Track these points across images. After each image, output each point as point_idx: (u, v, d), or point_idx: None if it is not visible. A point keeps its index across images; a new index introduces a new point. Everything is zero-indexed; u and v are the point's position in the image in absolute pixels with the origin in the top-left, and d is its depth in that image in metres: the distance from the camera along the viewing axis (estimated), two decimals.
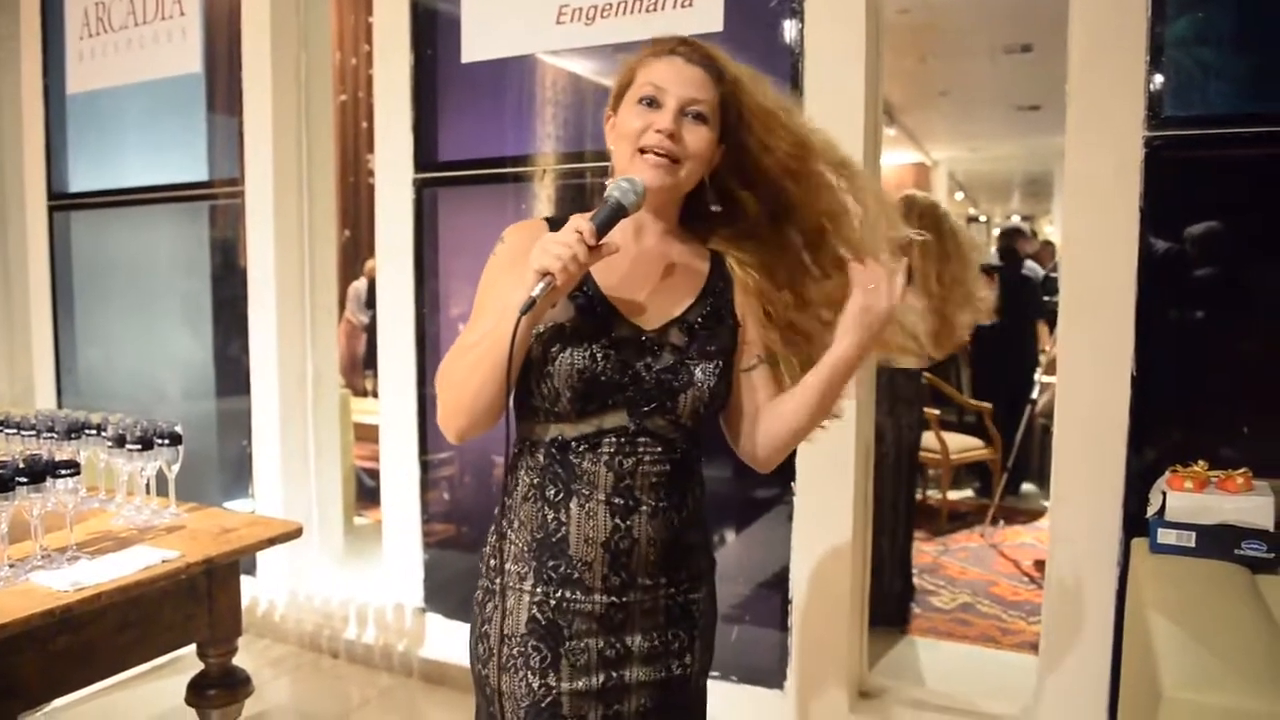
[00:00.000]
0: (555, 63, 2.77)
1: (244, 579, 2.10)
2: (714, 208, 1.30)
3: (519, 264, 1.13)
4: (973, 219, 13.82)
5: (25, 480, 1.59)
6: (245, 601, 2.11)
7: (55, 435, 1.95)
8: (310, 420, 3.38)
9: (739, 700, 2.55)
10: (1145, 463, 2.10)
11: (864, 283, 1.16)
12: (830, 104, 2.33)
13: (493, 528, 1.25)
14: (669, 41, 1.23)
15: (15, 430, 2.03)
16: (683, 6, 2.48)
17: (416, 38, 2.93)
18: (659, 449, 1.19)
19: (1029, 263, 5.59)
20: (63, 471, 1.66)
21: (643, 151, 1.18)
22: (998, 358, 5.12)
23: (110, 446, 1.95)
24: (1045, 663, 2.27)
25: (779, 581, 2.52)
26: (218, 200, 3.44)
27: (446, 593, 3.03)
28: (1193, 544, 1.78)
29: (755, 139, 1.23)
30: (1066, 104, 2.15)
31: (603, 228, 1.09)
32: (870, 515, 2.61)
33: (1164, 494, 1.85)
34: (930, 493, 4.90)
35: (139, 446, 1.92)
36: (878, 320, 1.16)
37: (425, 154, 2.96)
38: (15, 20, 3.85)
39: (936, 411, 4.48)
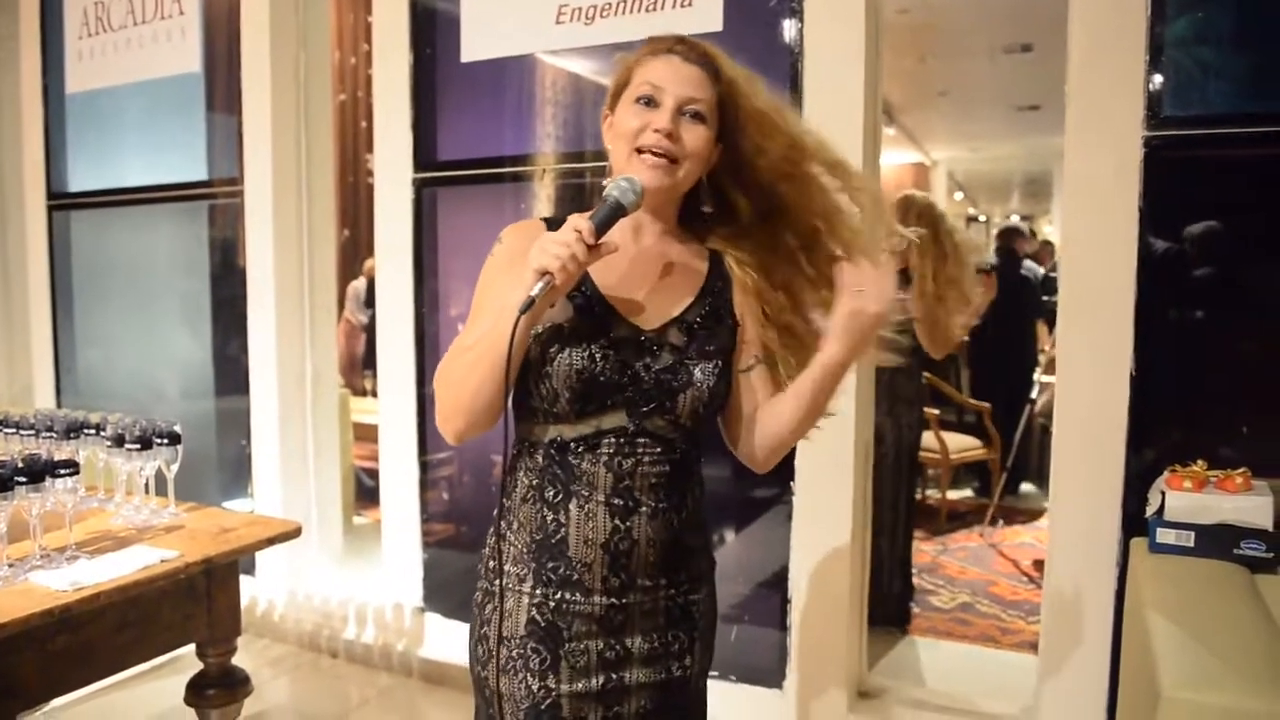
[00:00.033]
0: (555, 62, 2.77)
1: (243, 579, 2.10)
2: (705, 208, 1.30)
3: (517, 264, 1.12)
4: (972, 219, 13.83)
5: (24, 480, 1.59)
6: (244, 601, 2.10)
7: (54, 435, 1.95)
8: (309, 420, 3.38)
9: (738, 700, 2.55)
10: (1144, 462, 2.10)
11: (852, 285, 1.14)
12: (829, 104, 2.33)
13: (491, 529, 1.24)
14: (666, 40, 1.23)
15: (14, 430, 2.03)
16: (682, 6, 2.48)
17: (416, 37, 2.93)
18: (658, 449, 1.18)
19: (1027, 262, 5.59)
20: (62, 471, 1.66)
21: (640, 151, 1.18)
22: (997, 357, 5.12)
23: (109, 446, 1.95)
24: (1044, 662, 2.27)
25: (778, 581, 2.52)
26: (217, 200, 3.44)
27: (446, 592, 3.03)
28: (1191, 544, 1.78)
29: (750, 141, 1.23)
30: (1066, 104, 2.15)
31: (601, 227, 1.09)
32: (869, 515, 2.61)
33: (1163, 494, 1.85)
34: (930, 492, 4.90)
35: (138, 446, 1.92)
36: (867, 324, 1.15)
37: (424, 153, 2.96)
38: (14, 20, 3.85)
39: (936, 411, 4.48)
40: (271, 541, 1.97)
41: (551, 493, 1.18)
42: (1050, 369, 4.48)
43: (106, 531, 1.91)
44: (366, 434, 4.16)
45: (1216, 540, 1.77)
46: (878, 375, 2.71)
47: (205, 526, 1.98)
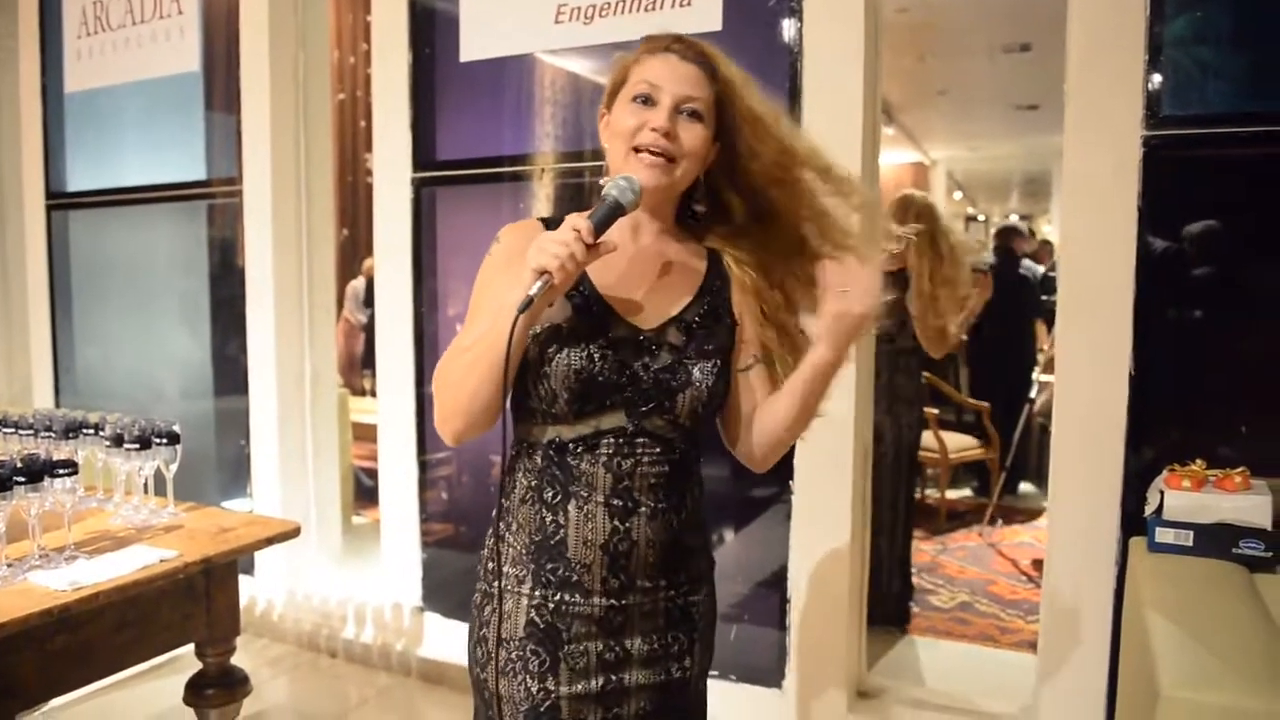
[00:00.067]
0: (554, 62, 2.77)
1: (242, 578, 2.10)
2: (698, 208, 1.30)
3: (514, 264, 1.12)
4: (971, 218, 13.82)
5: (23, 480, 1.59)
6: (243, 601, 2.10)
7: (53, 434, 1.95)
8: (308, 419, 3.38)
9: (737, 699, 2.55)
10: (1143, 462, 2.10)
11: (836, 285, 1.13)
12: (829, 103, 2.33)
13: (490, 530, 1.24)
14: (663, 39, 1.22)
15: (13, 429, 2.03)
16: (681, 5, 2.48)
17: (415, 36, 2.92)
18: (657, 449, 1.18)
19: (1026, 261, 5.58)
20: (60, 471, 1.66)
21: (638, 150, 1.17)
22: (996, 357, 5.12)
23: (108, 446, 1.95)
24: (1044, 661, 2.27)
25: (777, 581, 2.52)
26: (216, 199, 3.44)
27: (445, 592, 3.03)
28: (1190, 543, 1.78)
29: (743, 143, 1.22)
30: (1065, 103, 2.15)
31: (600, 226, 1.09)
32: (868, 514, 2.61)
33: (1162, 493, 1.85)
34: (929, 492, 4.90)
35: (137, 446, 1.92)
36: (852, 325, 1.13)
37: (423, 153, 2.95)
38: (13, 19, 3.85)
39: (935, 411, 4.48)
40: (270, 541, 1.97)
41: (550, 494, 1.18)
42: (1049, 368, 4.49)
43: (105, 531, 1.91)
44: (365, 434, 4.16)
45: (1215, 539, 1.77)
46: (877, 375, 2.71)
47: (204, 526, 1.98)
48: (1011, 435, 4.84)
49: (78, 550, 1.74)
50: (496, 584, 1.21)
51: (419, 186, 2.96)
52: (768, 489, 2.55)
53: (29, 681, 1.62)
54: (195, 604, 1.91)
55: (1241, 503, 1.79)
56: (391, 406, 3.05)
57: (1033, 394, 4.92)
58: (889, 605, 3.20)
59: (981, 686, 2.73)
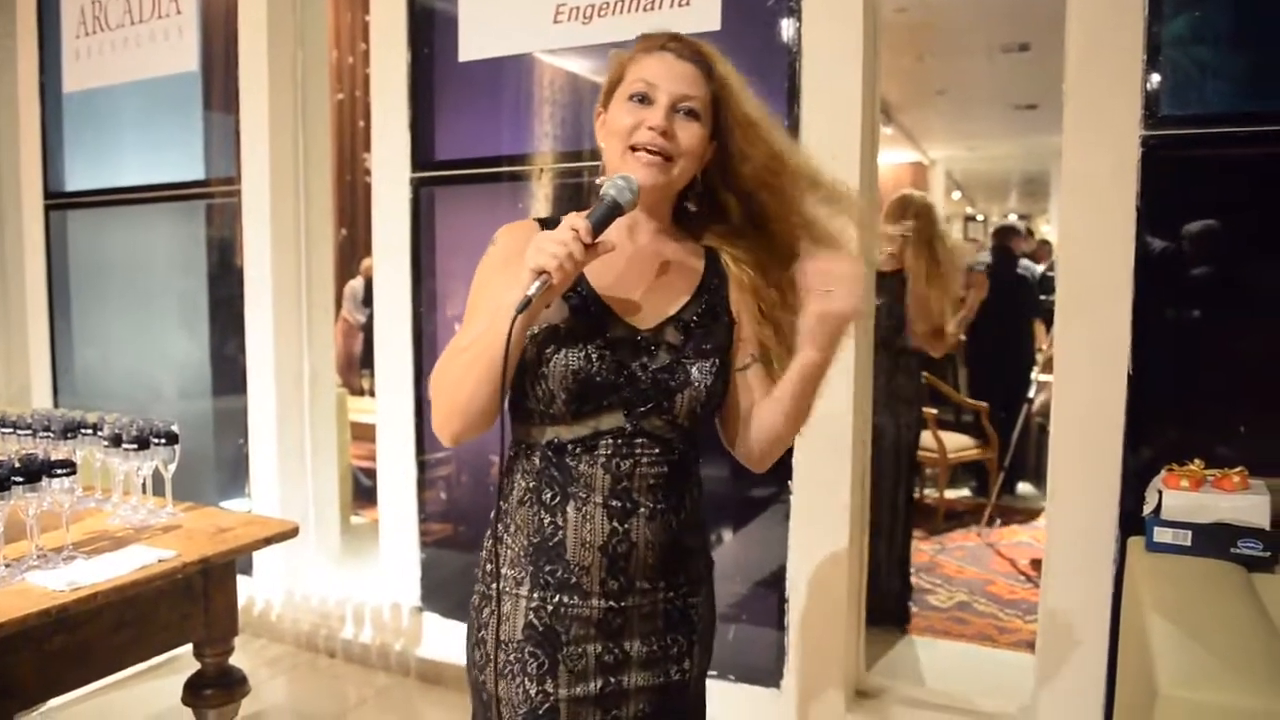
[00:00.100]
0: (552, 62, 2.77)
1: (240, 579, 2.10)
2: (690, 206, 1.29)
3: (512, 264, 1.12)
4: (970, 218, 13.82)
5: (21, 480, 1.59)
6: (242, 601, 2.11)
7: (51, 434, 1.95)
8: (307, 419, 3.38)
9: (736, 699, 2.55)
10: (1141, 461, 2.10)
11: (819, 286, 1.12)
12: (827, 102, 2.33)
13: (489, 532, 1.23)
14: (659, 37, 1.22)
15: (11, 429, 2.03)
16: (680, 5, 2.48)
17: (413, 36, 2.92)
18: (656, 450, 1.17)
19: (1024, 261, 5.58)
20: (59, 471, 1.66)
21: (635, 149, 1.17)
22: (994, 357, 5.12)
23: (106, 446, 1.95)
24: (1042, 661, 2.27)
25: (776, 581, 2.52)
26: (214, 199, 3.44)
27: (443, 592, 3.03)
28: (1189, 543, 1.78)
29: (735, 144, 1.22)
30: (1064, 103, 2.14)
31: (598, 226, 1.09)
32: (867, 514, 2.61)
33: (1160, 492, 1.85)
34: (928, 492, 4.90)
35: (135, 446, 1.91)
36: (838, 326, 1.13)
37: (422, 153, 2.95)
38: (11, 19, 3.84)
39: (934, 410, 4.48)
40: (269, 541, 1.97)
41: (549, 495, 1.17)
42: (1048, 368, 4.48)
43: (103, 531, 1.91)
44: (364, 433, 4.16)
45: (1214, 539, 1.77)
46: (876, 375, 2.71)
47: (202, 526, 1.97)
48: (1010, 435, 4.84)
49: (76, 550, 1.74)
50: (495, 586, 1.20)
51: (418, 186, 2.96)
52: (766, 489, 2.55)
53: (27, 682, 1.62)
54: (193, 604, 1.91)
55: (1240, 502, 1.79)
56: (390, 406, 3.05)
57: (1031, 394, 4.91)
58: (888, 605, 3.20)
59: (980, 686, 2.73)
